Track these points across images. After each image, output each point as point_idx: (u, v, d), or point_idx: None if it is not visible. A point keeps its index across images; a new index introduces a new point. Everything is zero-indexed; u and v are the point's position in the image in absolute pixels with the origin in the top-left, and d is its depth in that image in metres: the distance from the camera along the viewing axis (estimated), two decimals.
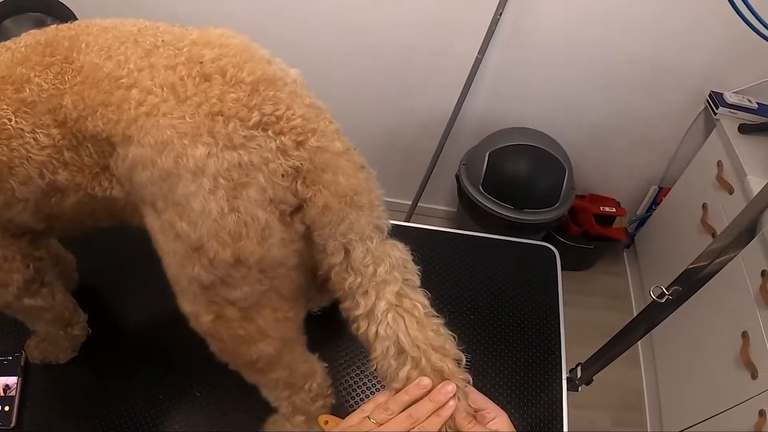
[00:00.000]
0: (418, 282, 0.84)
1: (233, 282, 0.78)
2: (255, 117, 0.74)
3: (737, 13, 1.58)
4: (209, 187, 0.71)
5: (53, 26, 0.85)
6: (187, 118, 0.72)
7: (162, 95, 0.74)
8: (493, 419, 0.80)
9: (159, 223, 0.78)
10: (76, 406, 1.16)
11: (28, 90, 0.79)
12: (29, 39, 0.84)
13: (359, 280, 0.80)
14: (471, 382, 0.82)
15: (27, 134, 0.79)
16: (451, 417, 0.78)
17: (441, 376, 0.78)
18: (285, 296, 0.86)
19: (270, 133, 0.75)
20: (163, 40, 0.79)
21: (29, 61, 0.80)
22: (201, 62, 0.76)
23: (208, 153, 0.71)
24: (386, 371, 0.80)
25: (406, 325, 0.80)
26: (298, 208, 0.78)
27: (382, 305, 0.80)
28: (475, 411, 0.82)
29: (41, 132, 0.79)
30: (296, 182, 0.76)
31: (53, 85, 0.78)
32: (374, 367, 0.81)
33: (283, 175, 0.75)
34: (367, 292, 0.80)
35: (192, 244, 0.74)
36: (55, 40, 0.82)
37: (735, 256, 0.94)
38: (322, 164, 0.77)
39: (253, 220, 0.73)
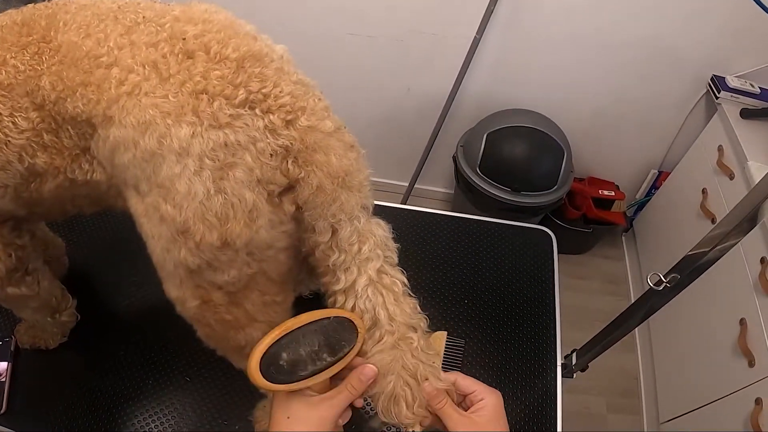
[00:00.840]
0: (396, 259, 0.87)
1: (220, 266, 0.77)
2: (241, 95, 0.72)
3: None
4: (194, 168, 0.69)
5: (30, 5, 0.82)
6: (170, 97, 0.70)
7: (144, 74, 0.71)
8: (480, 400, 0.81)
9: (143, 207, 0.76)
10: (66, 391, 1.15)
11: (4, 72, 0.76)
12: (5, 19, 0.81)
13: (343, 257, 0.82)
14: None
15: (5, 118, 0.77)
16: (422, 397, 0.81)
17: (410, 350, 0.82)
18: (273, 279, 0.84)
19: (257, 111, 0.73)
20: (144, 17, 0.77)
21: (5, 42, 0.78)
22: (184, 39, 0.74)
23: (193, 133, 0.69)
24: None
25: (384, 300, 0.83)
26: (288, 189, 0.77)
27: (362, 281, 0.82)
28: (464, 396, 0.84)
29: (20, 116, 0.77)
30: (286, 162, 0.75)
31: (30, 66, 0.76)
32: None
33: (271, 155, 0.73)
34: (349, 268, 0.83)
35: (178, 227, 0.72)
36: (32, 20, 0.79)
37: (736, 243, 0.92)
38: (314, 144, 0.76)
39: (241, 202, 0.71)
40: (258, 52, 0.77)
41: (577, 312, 2.48)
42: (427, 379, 0.82)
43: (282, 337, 0.77)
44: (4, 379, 1.15)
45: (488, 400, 0.81)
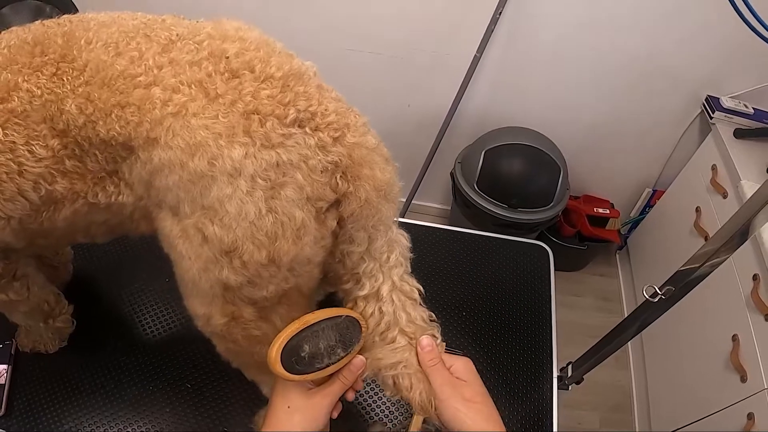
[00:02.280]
0: (409, 267, 0.92)
1: (261, 282, 0.77)
2: (291, 114, 0.71)
3: (739, 15, 1.59)
4: (246, 188, 0.68)
5: (38, 22, 0.78)
6: (220, 117, 0.68)
7: (190, 94, 0.69)
8: (450, 366, 0.88)
9: (179, 228, 0.74)
10: (66, 395, 1.16)
11: (16, 99, 0.71)
12: (12, 38, 0.76)
13: (372, 265, 0.86)
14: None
15: (20, 147, 0.72)
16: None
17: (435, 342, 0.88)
18: (304, 293, 0.86)
19: (307, 129, 0.73)
20: (177, 34, 0.74)
21: (15, 64, 0.73)
22: (227, 57, 0.72)
23: (246, 153, 0.68)
24: (371, 343, 0.89)
25: (404, 306, 0.88)
26: (333, 204, 0.78)
27: (387, 287, 0.87)
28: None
29: (37, 144, 0.73)
30: (335, 177, 0.76)
31: (48, 89, 0.72)
32: None
33: (322, 171, 0.73)
34: (374, 275, 0.86)
35: (224, 247, 0.71)
36: (46, 38, 0.74)
37: (727, 258, 0.94)
38: (360, 159, 0.77)
39: (290, 220, 0.71)
40: (298, 71, 0.76)
41: (571, 328, 2.49)
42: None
43: (302, 330, 0.80)
44: (4, 382, 1.14)
45: (456, 365, 0.88)
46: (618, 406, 2.40)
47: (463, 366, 0.87)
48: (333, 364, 0.84)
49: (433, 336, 0.90)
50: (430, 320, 0.91)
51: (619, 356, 2.52)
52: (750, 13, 1.60)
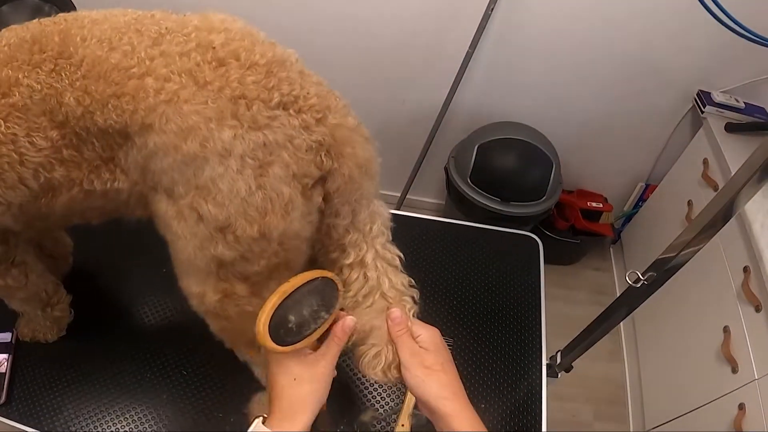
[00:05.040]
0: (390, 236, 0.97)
1: (252, 257, 0.82)
2: (276, 98, 0.77)
3: (714, 17, 1.62)
4: (237, 167, 0.74)
5: (35, 21, 0.82)
6: (209, 102, 0.74)
7: (181, 82, 0.74)
8: (418, 336, 0.91)
9: (174, 209, 0.79)
10: (65, 384, 1.18)
11: (17, 94, 0.76)
12: (11, 36, 0.80)
13: (356, 236, 0.91)
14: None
15: (21, 139, 0.77)
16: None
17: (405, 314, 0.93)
18: (292, 268, 0.90)
19: (291, 111, 0.78)
20: (166, 28, 0.79)
21: (15, 61, 0.77)
22: (213, 47, 0.77)
23: (235, 135, 0.73)
24: (354, 307, 0.93)
25: (386, 272, 0.93)
26: (318, 181, 0.82)
27: (370, 255, 0.92)
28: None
29: (37, 135, 0.78)
30: (320, 155, 0.81)
31: (47, 84, 0.76)
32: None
33: (307, 150, 0.79)
34: (359, 244, 0.92)
35: (218, 224, 0.77)
36: (43, 36, 0.79)
37: (706, 243, 0.97)
38: (342, 139, 0.83)
39: (278, 196, 0.77)
40: (281, 57, 0.82)
41: (565, 322, 2.48)
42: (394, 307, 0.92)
43: (284, 300, 0.82)
44: (4, 371, 1.17)
45: (423, 335, 0.90)
46: (611, 398, 2.41)
47: (429, 336, 0.90)
48: (319, 328, 0.87)
49: (412, 300, 0.95)
50: (410, 285, 0.96)
51: (612, 350, 2.54)
52: (725, 15, 1.64)
